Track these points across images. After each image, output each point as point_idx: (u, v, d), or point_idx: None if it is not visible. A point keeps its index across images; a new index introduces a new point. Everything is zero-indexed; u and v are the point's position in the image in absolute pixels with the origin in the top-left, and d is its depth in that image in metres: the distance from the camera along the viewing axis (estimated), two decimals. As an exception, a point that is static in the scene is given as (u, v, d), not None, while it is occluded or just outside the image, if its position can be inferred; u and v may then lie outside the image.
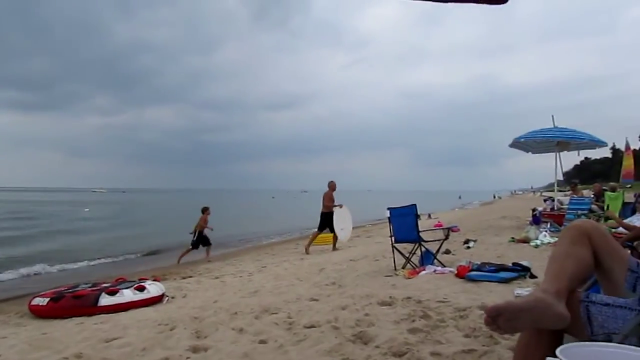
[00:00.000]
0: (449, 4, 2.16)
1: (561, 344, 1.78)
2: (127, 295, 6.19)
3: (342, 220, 12.69)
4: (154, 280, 7.21)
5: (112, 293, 6.13)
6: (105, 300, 6.01)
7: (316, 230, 12.81)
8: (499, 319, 1.58)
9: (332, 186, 12.73)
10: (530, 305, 1.61)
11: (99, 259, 14.17)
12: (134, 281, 6.89)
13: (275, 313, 4.70)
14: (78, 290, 6.31)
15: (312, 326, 4.00)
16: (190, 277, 9.36)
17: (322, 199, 12.70)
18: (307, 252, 12.19)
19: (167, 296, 6.68)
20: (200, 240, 13.17)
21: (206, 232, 13.37)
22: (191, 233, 13.20)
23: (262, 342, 3.72)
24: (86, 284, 6.97)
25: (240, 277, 8.74)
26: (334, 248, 12.58)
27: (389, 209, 7.24)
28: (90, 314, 5.77)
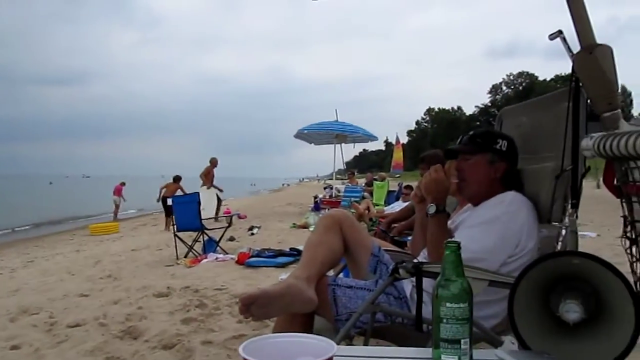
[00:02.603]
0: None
1: (312, 325, 1.93)
2: None
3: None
4: None
5: None
6: None
7: None
8: (252, 306, 1.62)
9: (213, 162, 12.77)
10: (281, 292, 1.69)
11: None
12: None
13: (36, 313, 4.22)
14: None
15: (77, 325, 3.68)
16: None
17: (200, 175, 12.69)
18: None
19: None
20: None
21: None
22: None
23: (15, 347, 3.30)
24: None
25: (0, 274, 7.70)
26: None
27: (170, 197, 7.10)
28: None
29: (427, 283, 1.62)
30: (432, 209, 1.91)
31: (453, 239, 1.00)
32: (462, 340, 0.92)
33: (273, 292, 1.68)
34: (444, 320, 0.92)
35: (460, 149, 2.00)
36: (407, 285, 1.89)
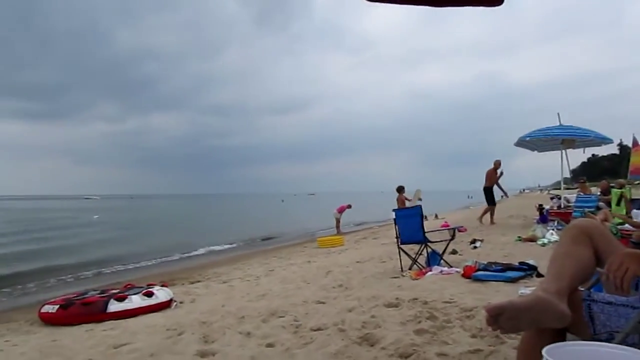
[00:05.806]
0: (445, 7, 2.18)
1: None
2: (136, 301, 6.22)
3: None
4: (162, 285, 7.24)
5: (121, 299, 6.16)
6: (113, 306, 6.04)
7: (487, 205, 14.60)
8: (501, 318, 1.58)
9: (496, 164, 14.18)
10: (530, 305, 1.62)
11: (110, 265, 14.15)
12: (142, 287, 6.92)
13: (282, 316, 4.72)
14: (87, 297, 6.35)
15: (319, 329, 4.02)
16: (199, 281, 9.39)
17: (485, 175, 14.17)
18: (481, 222, 14.33)
19: (176, 301, 6.71)
20: None
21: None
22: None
23: (269, 345, 3.74)
24: (95, 290, 7.02)
25: (248, 280, 8.77)
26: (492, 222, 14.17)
27: (394, 210, 7.28)
28: (99, 321, 5.80)
29: None
30: None
31: None
32: None
33: (521, 304, 1.61)
34: None
35: None
36: (683, 304, 1.65)
